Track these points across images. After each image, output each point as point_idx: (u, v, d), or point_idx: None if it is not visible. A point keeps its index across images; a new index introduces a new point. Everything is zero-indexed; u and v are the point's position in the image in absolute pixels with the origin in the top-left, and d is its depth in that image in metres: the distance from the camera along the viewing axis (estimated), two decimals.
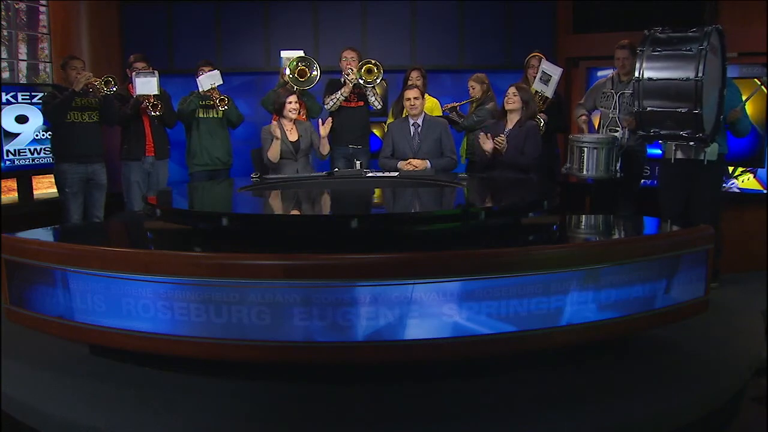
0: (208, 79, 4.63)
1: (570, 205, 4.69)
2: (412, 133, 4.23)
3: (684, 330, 2.86)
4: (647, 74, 3.44)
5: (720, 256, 3.97)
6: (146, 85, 4.49)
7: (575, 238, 3.15)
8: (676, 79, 3.36)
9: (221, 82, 4.67)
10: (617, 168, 3.99)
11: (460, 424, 2.20)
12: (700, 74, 3.28)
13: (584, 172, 3.98)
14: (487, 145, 3.93)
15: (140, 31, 5.64)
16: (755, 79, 4.39)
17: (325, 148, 4.40)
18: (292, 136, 4.35)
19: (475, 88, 4.80)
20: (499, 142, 3.89)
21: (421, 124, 4.21)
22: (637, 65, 3.48)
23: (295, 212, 3.24)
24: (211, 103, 4.71)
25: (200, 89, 4.64)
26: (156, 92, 4.51)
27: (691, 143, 3.60)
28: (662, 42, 3.45)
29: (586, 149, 3.95)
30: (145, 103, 4.52)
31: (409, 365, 2.47)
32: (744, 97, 3.91)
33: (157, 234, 2.86)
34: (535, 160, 3.93)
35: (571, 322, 2.37)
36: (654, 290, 2.52)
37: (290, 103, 4.32)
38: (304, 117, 4.79)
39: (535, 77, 4.55)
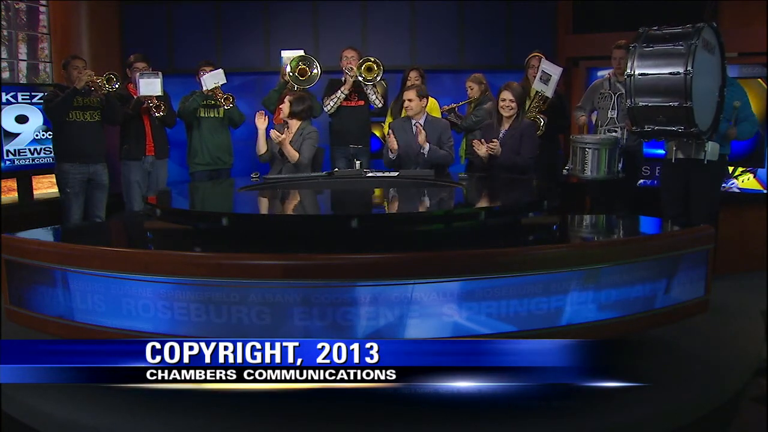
0: (212, 78, 4.61)
1: (570, 205, 4.68)
2: (415, 132, 4.23)
3: (684, 330, 2.86)
4: (638, 70, 3.45)
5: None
6: (150, 85, 4.47)
7: (575, 238, 3.15)
8: (666, 74, 3.36)
9: (225, 81, 4.66)
10: (620, 168, 3.97)
11: (461, 422, 2.20)
12: (689, 68, 3.29)
13: (586, 173, 3.95)
14: (482, 150, 3.91)
15: (140, 31, 5.63)
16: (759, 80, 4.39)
17: (290, 155, 4.10)
18: (288, 139, 4.22)
19: (473, 89, 4.79)
20: (492, 148, 3.88)
21: (423, 123, 4.21)
22: (629, 62, 3.48)
23: (295, 212, 3.24)
24: (214, 102, 4.71)
25: (204, 88, 4.63)
26: (159, 93, 4.50)
27: (685, 139, 3.60)
28: (655, 39, 3.45)
29: (588, 150, 3.93)
30: (147, 103, 4.52)
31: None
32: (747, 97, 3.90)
33: (157, 234, 2.86)
34: (531, 160, 3.91)
35: (571, 322, 2.38)
36: (654, 290, 2.52)
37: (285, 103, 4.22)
38: None
39: (535, 77, 4.54)
